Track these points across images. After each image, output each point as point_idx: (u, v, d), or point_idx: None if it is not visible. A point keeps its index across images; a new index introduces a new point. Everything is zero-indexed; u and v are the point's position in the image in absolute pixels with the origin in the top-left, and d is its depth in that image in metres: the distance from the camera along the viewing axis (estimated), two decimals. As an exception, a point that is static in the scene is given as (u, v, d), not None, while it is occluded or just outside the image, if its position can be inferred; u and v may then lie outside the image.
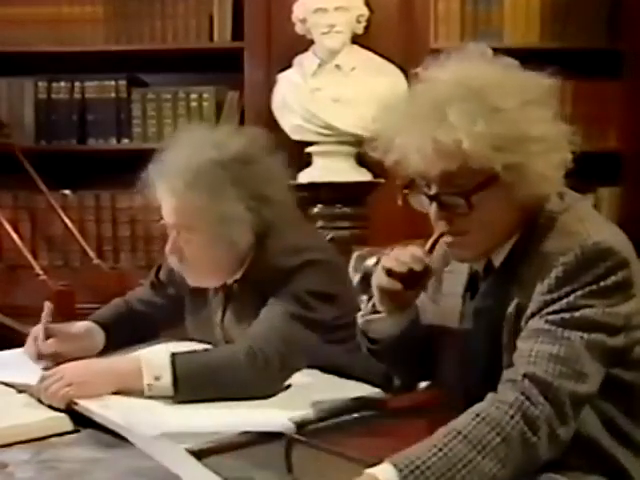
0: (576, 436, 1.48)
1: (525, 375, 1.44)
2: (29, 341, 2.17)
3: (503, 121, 1.50)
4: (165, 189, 2.07)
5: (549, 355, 1.45)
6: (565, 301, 1.49)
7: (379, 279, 1.66)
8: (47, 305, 2.16)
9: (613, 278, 1.49)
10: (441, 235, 1.61)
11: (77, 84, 4.22)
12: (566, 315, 1.48)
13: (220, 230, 2.05)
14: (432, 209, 1.58)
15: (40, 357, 2.11)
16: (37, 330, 2.15)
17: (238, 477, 1.50)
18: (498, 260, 1.63)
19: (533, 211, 1.59)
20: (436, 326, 1.76)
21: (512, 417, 1.40)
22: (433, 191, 1.57)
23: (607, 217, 1.70)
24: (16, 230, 3.89)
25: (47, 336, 2.13)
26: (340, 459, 1.42)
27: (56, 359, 2.05)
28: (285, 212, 2.10)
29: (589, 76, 3.87)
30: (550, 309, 1.49)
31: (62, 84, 4.23)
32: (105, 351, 2.20)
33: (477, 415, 1.41)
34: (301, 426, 1.55)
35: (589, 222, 1.57)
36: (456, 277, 1.73)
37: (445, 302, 1.74)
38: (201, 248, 2.08)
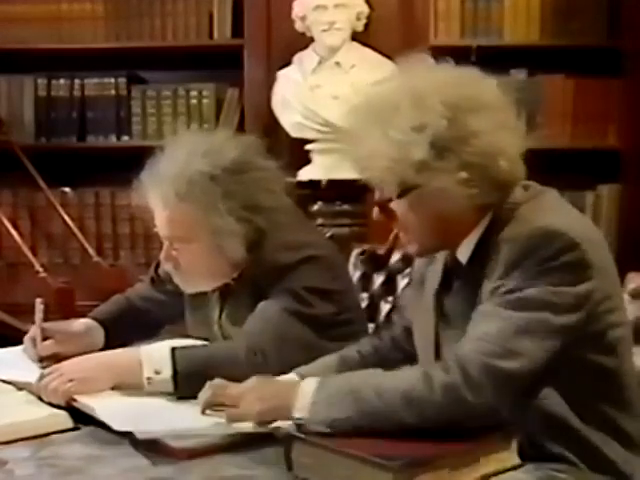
0: (543, 413, 1.53)
1: (456, 355, 1.49)
2: (26, 343, 2.16)
3: (403, 147, 1.56)
4: (157, 200, 2.07)
5: (481, 334, 1.49)
6: (512, 284, 1.51)
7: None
8: (38, 304, 2.14)
9: (562, 259, 1.49)
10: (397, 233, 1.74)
11: (77, 81, 4.23)
12: (509, 296, 1.50)
13: (212, 242, 2.05)
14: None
15: (41, 359, 2.11)
16: (34, 332, 2.15)
17: (238, 475, 1.50)
18: (464, 256, 1.65)
19: (494, 206, 1.60)
20: (417, 324, 1.79)
21: (416, 377, 1.49)
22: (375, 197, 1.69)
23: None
24: (16, 228, 3.89)
25: (44, 337, 2.13)
26: (340, 457, 1.42)
27: (55, 358, 2.05)
28: (280, 217, 2.09)
29: (589, 74, 3.87)
30: (497, 293, 1.52)
31: (62, 81, 4.24)
32: (105, 348, 2.20)
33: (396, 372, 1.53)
34: (301, 424, 1.55)
35: (548, 211, 1.58)
36: (434, 275, 1.75)
37: (424, 299, 1.76)
38: (194, 258, 2.08)
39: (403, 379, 1.50)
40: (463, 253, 1.65)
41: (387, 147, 1.56)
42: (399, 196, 1.61)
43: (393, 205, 1.63)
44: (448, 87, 1.59)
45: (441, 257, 1.74)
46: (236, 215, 2.04)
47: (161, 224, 2.09)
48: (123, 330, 2.27)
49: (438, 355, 1.68)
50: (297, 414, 1.52)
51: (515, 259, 1.51)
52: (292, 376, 1.80)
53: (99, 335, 2.24)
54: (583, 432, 1.55)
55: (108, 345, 2.21)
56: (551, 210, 1.59)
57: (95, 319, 2.27)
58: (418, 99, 1.57)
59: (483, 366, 1.47)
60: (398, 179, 1.58)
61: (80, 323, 2.24)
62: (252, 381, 1.64)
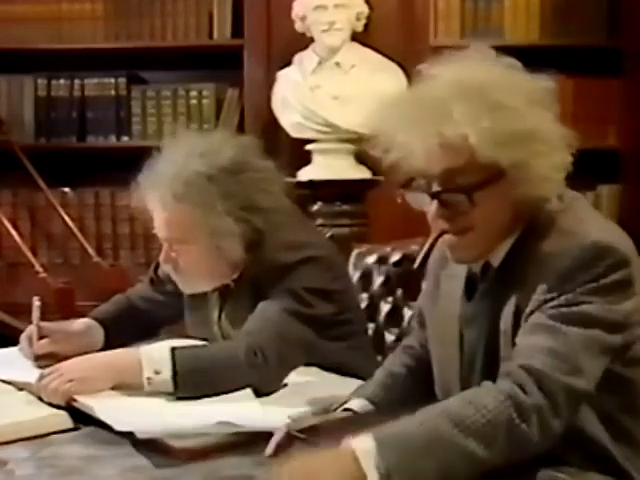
0: (573, 432, 1.48)
1: (521, 366, 1.44)
2: (22, 342, 2.17)
3: (508, 118, 1.49)
4: (155, 202, 2.07)
5: (547, 349, 1.45)
6: (564, 298, 1.48)
7: None
8: (35, 303, 2.14)
9: (613, 276, 1.48)
10: (439, 236, 1.59)
11: (77, 82, 4.23)
12: (565, 310, 1.47)
13: (211, 243, 2.05)
14: (432, 207, 1.56)
15: (36, 358, 2.11)
16: (30, 330, 2.15)
17: (238, 475, 1.50)
18: (496, 261, 1.61)
19: (531, 211, 1.58)
20: (435, 331, 1.75)
21: (501, 402, 1.39)
22: (434, 189, 1.55)
23: (606, 215, 1.70)
24: (16, 228, 3.89)
25: (41, 336, 2.13)
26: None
27: (55, 358, 2.05)
28: (278, 217, 2.09)
29: (589, 74, 3.87)
30: (549, 305, 1.49)
31: (62, 82, 4.24)
32: (105, 348, 2.20)
33: (465, 398, 1.42)
34: (300, 424, 1.55)
35: (588, 221, 1.57)
36: (453, 280, 1.71)
37: (443, 305, 1.72)
38: (193, 259, 2.08)
39: (488, 410, 1.40)
40: (495, 257, 1.61)
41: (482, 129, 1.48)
42: (483, 185, 1.52)
43: (476, 196, 1.51)
44: (531, 80, 1.57)
45: (453, 265, 1.69)
46: (234, 215, 2.04)
47: (159, 226, 2.09)
48: (123, 330, 2.27)
49: (462, 359, 1.65)
50: None
51: (567, 272, 1.48)
52: (362, 402, 1.72)
53: (99, 335, 2.24)
54: (609, 447, 1.53)
55: (108, 345, 2.21)
56: (589, 221, 1.56)
57: (95, 319, 2.27)
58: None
59: (561, 384, 1.43)
60: (487, 164, 1.49)
61: (80, 323, 2.24)
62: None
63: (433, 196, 1.55)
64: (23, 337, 2.17)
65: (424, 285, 1.88)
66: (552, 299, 1.49)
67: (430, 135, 1.49)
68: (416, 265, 1.64)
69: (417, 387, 1.78)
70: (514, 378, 1.43)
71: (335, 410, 1.68)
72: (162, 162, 2.07)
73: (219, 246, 2.06)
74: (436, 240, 1.60)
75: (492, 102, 1.49)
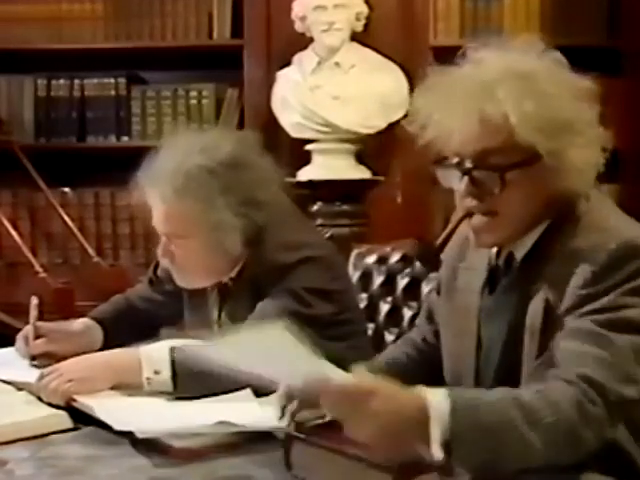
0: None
1: (580, 377, 1.42)
2: (19, 341, 2.17)
3: (550, 105, 1.49)
4: (155, 196, 2.08)
5: (600, 359, 1.43)
6: (606, 299, 1.46)
7: None
8: (33, 302, 2.14)
9: None
10: (464, 217, 1.58)
11: (76, 82, 4.22)
12: (610, 315, 1.45)
13: (210, 238, 2.05)
14: (461, 185, 1.55)
15: (32, 357, 2.11)
16: (27, 330, 2.15)
17: (237, 475, 1.50)
18: (520, 253, 1.60)
19: (560, 205, 1.57)
20: (450, 324, 1.73)
21: (571, 406, 1.39)
22: (467, 165, 1.54)
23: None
24: (15, 228, 3.89)
25: (37, 335, 2.13)
26: (339, 456, 1.42)
27: (52, 357, 2.05)
28: (278, 214, 2.09)
29: (588, 74, 3.86)
30: (590, 307, 1.47)
31: (61, 82, 4.24)
32: (104, 348, 2.20)
33: (539, 390, 1.41)
34: (300, 423, 1.55)
35: (617, 219, 1.57)
36: (473, 273, 1.69)
37: (460, 298, 1.71)
38: (191, 254, 2.08)
39: (558, 411, 1.39)
40: (519, 249, 1.60)
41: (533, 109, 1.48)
42: (516, 166, 1.51)
43: (508, 176, 1.51)
44: (577, 76, 1.57)
45: (474, 255, 1.70)
46: (234, 210, 2.04)
47: (159, 220, 2.09)
48: (122, 330, 2.27)
49: (478, 352, 1.65)
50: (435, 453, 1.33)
51: (602, 268, 1.47)
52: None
53: (98, 335, 2.24)
54: (634, 455, 1.53)
55: (106, 345, 2.21)
56: (618, 220, 1.57)
57: (94, 319, 2.27)
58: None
59: (619, 396, 1.42)
60: (524, 146, 1.49)
61: (79, 323, 2.25)
62: (362, 389, 1.34)
63: (465, 173, 1.54)
64: (19, 336, 2.17)
65: (437, 279, 1.86)
66: (590, 297, 1.47)
67: (471, 111, 1.50)
68: (438, 242, 1.62)
69: (416, 376, 1.77)
70: (576, 386, 1.41)
71: None
72: (162, 158, 2.07)
73: (218, 240, 2.05)
74: (461, 220, 1.59)
75: (537, 89, 1.50)
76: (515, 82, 1.50)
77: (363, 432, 1.33)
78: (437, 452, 1.31)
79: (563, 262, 1.52)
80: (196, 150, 2.06)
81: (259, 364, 1.44)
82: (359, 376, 1.37)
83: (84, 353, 2.01)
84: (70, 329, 2.21)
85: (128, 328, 2.30)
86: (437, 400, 1.33)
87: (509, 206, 1.54)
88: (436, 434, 1.32)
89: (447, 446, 1.31)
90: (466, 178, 1.54)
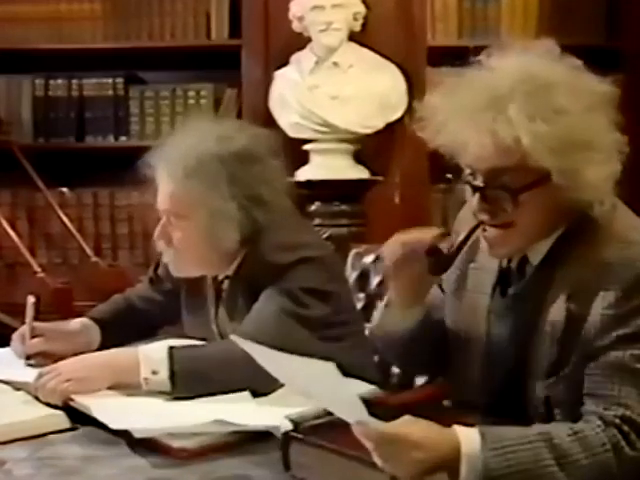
0: None
1: (621, 418, 1.42)
2: (15, 340, 2.17)
3: (565, 124, 1.46)
4: (164, 174, 2.10)
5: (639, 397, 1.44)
6: (636, 322, 1.46)
7: (399, 263, 1.62)
8: (29, 301, 2.14)
9: None
10: (477, 226, 1.57)
11: (75, 82, 4.22)
12: None
13: (208, 223, 2.07)
14: (474, 200, 1.55)
15: (27, 357, 2.11)
16: (23, 329, 2.15)
17: (235, 475, 1.50)
18: (536, 259, 1.59)
19: (575, 213, 1.55)
20: (458, 323, 1.73)
21: (607, 450, 1.40)
22: (479, 182, 1.53)
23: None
24: (14, 228, 3.89)
25: (34, 335, 2.13)
26: (338, 456, 1.42)
27: (49, 358, 2.05)
28: (278, 215, 2.10)
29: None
30: (622, 332, 1.46)
31: (60, 81, 4.24)
32: (102, 348, 2.20)
33: (575, 432, 1.41)
34: (298, 423, 1.55)
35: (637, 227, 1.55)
36: (482, 274, 1.69)
37: (469, 298, 1.71)
38: (187, 237, 2.09)
39: (594, 454, 1.40)
40: (535, 254, 1.59)
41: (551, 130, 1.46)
42: (529, 187, 1.50)
43: (521, 197, 1.50)
44: (593, 82, 1.57)
45: (484, 256, 1.68)
46: (237, 201, 2.06)
47: (163, 197, 2.11)
48: (120, 330, 2.28)
49: (487, 354, 1.65)
50: None
51: (632, 285, 1.47)
52: None
53: (95, 334, 2.24)
54: None
55: (104, 345, 2.21)
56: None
57: (92, 318, 2.27)
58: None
59: None
60: (537, 167, 1.47)
61: (76, 322, 2.25)
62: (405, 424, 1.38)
63: (477, 189, 1.54)
64: (15, 336, 2.17)
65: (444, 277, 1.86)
66: (619, 319, 1.46)
67: (483, 129, 1.48)
68: (452, 250, 1.61)
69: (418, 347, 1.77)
70: (621, 430, 1.42)
71: None
72: (177, 140, 2.11)
73: (216, 228, 2.07)
74: (474, 230, 1.58)
75: (552, 103, 1.47)
76: (528, 97, 1.47)
77: (402, 473, 1.35)
78: None
79: (586, 272, 1.51)
80: (212, 138, 2.09)
81: (299, 381, 1.52)
82: (402, 423, 1.38)
83: (81, 353, 2.01)
84: (67, 329, 2.21)
85: (126, 328, 2.30)
86: (469, 441, 1.36)
87: (523, 220, 1.54)
88: (466, 474, 1.35)
89: None
90: (477, 194, 1.54)
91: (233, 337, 1.62)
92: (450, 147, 1.54)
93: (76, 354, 2.00)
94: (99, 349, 2.17)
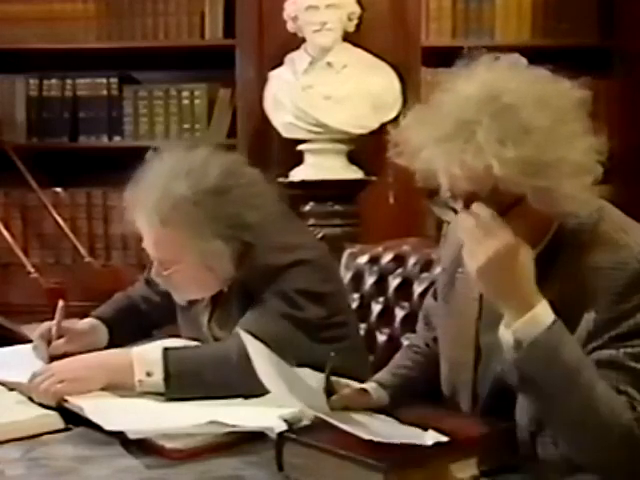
0: None
1: (636, 420, 1.43)
2: (37, 341, 2.13)
3: (535, 144, 1.44)
4: (143, 221, 2.06)
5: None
6: (630, 322, 1.47)
7: None
8: (59, 304, 2.13)
9: None
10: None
11: (69, 81, 4.22)
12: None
13: (199, 262, 2.04)
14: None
15: (52, 358, 2.09)
16: (43, 329, 2.13)
17: (228, 476, 1.50)
18: None
19: (559, 221, 1.56)
20: (447, 328, 1.74)
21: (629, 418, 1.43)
22: (458, 206, 1.52)
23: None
24: (7, 228, 3.90)
25: (58, 335, 2.13)
26: (331, 457, 1.42)
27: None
28: (268, 227, 2.06)
29: (580, 74, 3.87)
30: (614, 333, 1.47)
31: (54, 81, 4.24)
32: (109, 347, 2.20)
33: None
34: (292, 424, 1.55)
35: (632, 232, 1.56)
36: (470, 280, 1.64)
37: (458, 302, 1.71)
38: (184, 276, 2.08)
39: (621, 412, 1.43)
40: None
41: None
42: (505, 210, 1.48)
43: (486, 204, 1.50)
44: (562, 92, 1.55)
45: None
46: (223, 236, 2.03)
47: (148, 245, 2.09)
48: (126, 329, 2.27)
49: (477, 362, 1.65)
50: None
51: (628, 290, 1.47)
52: (371, 385, 1.74)
53: (103, 334, 2.24)
54: None
55: (112, 344, 2.21)
56: (632, 232, 1.56)
57: (99, 318, 2.26)
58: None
59: None
60: (533, 183, 1.46)
61: (85, 322, 2.23)
62: None
63: (455, 212, 1.53)
64: (38, 335, 2.14)
65: (435, 285, 1.86)
66: (613, 322, 1.47)
67: (453, 157, 1.46)
68: None
69: (423, 380, 1.79)
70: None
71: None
72: (148, 182, 2.05)
73: (209, 264, 2.05)
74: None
75: (520, 123, 1.45)
76: (495, 119, 1.45)
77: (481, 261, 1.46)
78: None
79: (575, 277, 1.51)
80: (182, 175, 2.02)
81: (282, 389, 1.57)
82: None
83: (89, 352, 2.01)
84: (76, 329, 2.19)
85: (132, 327, 2.30)
86: (548, 312, 1.45)
87: (518, 231, 1.51)
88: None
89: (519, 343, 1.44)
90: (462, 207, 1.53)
91: (239, 330, 1.61)
92: (425, 173, 1.53)
93: (85, 354, 2.00)
94: (106, 348, 2.17)
